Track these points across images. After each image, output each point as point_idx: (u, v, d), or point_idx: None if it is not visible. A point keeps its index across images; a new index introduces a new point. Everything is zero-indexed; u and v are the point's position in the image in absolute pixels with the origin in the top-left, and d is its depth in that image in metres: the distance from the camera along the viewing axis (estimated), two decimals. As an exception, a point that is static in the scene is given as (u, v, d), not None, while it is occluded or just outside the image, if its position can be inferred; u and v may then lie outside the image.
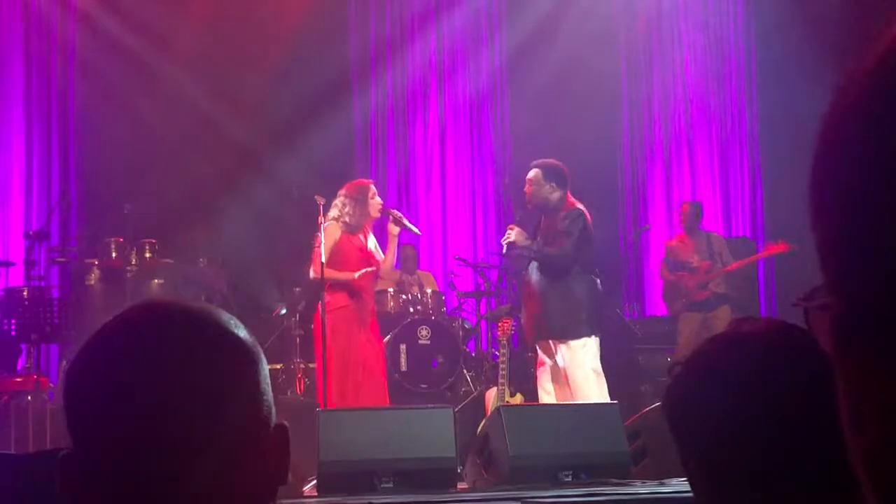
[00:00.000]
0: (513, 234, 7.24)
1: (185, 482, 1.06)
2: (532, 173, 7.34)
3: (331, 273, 7.15)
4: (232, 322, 1.15)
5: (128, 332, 1.11)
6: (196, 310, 1.15)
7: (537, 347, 7.40)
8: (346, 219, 7.28)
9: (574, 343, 7.09)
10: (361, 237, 7.39)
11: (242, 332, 1.15)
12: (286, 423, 1.16)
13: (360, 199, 7.33)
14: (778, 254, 9.69)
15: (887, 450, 0.65)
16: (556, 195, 7.27)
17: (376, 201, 7.43)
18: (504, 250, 7.60)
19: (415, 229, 8.01)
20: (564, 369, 7.10)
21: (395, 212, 7.63)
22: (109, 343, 1.11)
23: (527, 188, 7.36)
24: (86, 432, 1.08)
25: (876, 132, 0.65)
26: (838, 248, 0.67)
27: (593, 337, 7.17)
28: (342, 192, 7.37)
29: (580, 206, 7.31)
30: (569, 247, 7.12)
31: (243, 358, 1.13)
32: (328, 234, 7.15)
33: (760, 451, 1.33)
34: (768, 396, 1.33)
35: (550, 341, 7.21)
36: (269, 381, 1.15)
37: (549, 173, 7.30)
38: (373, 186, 7.49)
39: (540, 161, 7.42)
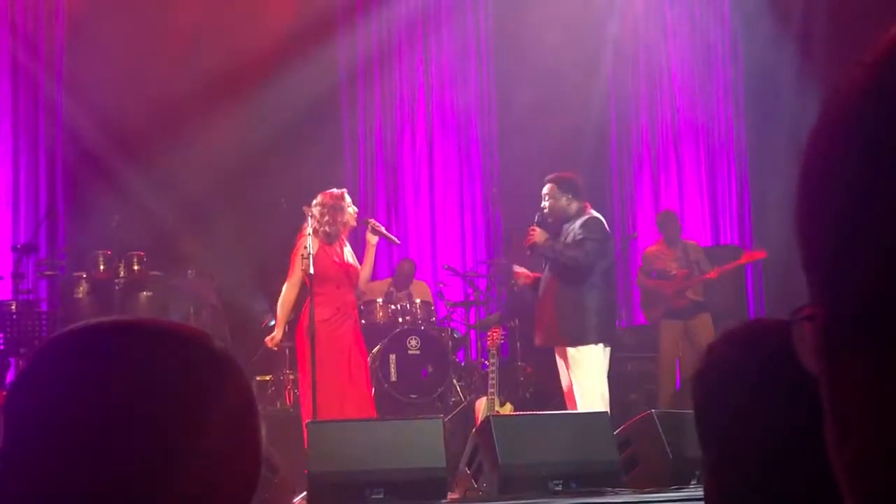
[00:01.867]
0: (535, 235, 7.25)
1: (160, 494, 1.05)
2: (547, 188, 7.36)
3: (282, 312, 7.29)
4: (205, 336, 1.13)
5: (96, 341, 1.09)
6: (163, 322, 1.14)
7: (556, 354, 7.37)
8: (326, 227, 7.27)
9: (583, 349, 7.07)
10: (337, 248, 7.38)
11: (216, 344, 1.13)
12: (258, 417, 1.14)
13: (336, 208, 7.32)
14: (756, 260, 9.69)
15: (872, 457, 0.65)
16: (574, 206, 7.30)
17: (352, 209, 7.44)
18: (527, 253, 7.57)
19: (394, 239, 8.02)
20: (570, 375, 7.09)
21: (373, 221, 7.64)
22: (78, 351, 1.08)
23: (544, 203, 7.36)
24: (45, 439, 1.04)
25: (865, 141, 0.65)
26: (825, 255, 0.68)
27: (601, 345, 7.15)
28: (317, 201, 7.35)
29: (597, 214, 7.34)
30: (589, 249, 7.10)
31: (216, 369, 1.11)
32: (308, 248, 7.13)
33: (783, 448, 1.33)
34: (798, 387, 1.32)
35: (561, 348, 7.17)
36: (247, 396, 1.14)
37: (564, 185, 7.33)
38: (347, 195, 7.47)
39: (553, 175, 7.45)
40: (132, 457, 1.03)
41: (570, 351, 7.09)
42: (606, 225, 7.35)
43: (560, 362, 7.30)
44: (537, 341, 7.49)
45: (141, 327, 1.12)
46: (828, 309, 0.68)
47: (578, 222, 7.22)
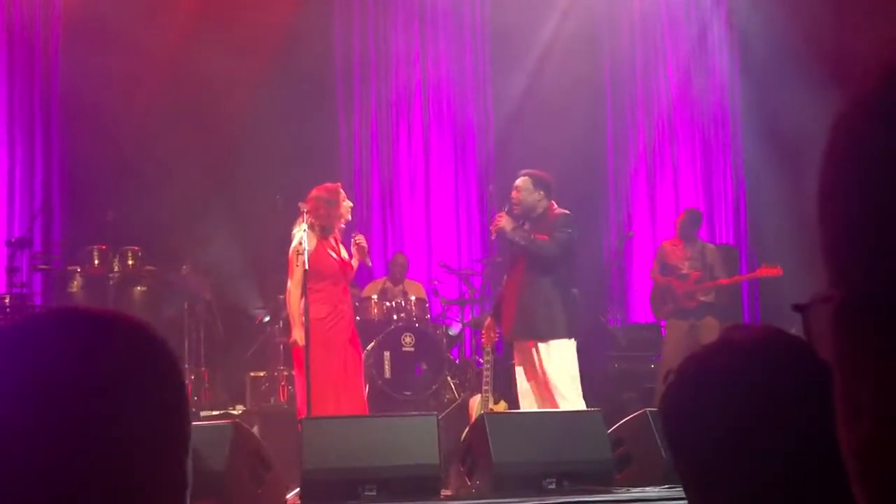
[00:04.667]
0: (502, 221, 7.26)
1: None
2: (521, 180, 7.40)
3: (292, 310, 7.22)
4: (139, 324, 1.12)
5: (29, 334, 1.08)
6: (99, 311, 1.13)
7: (514, 347, 7.39)
8: (322, 221, 7.27)
9: (554, 343, 7.09)
10: (333, 243, 7.38)
11: (151, 331, 1.12)
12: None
13: (331, 202, 7.33)
14: (771, 276, 9.52)
15: (884, 442, 0.65)
16: (543, 204, 7.34)
17: (347, 204, 7.45)
18: (492, 237, 7.58)
19: (368, 262, 7.89)
20: (542, 370, 7.09)
21: (363, 240, 7.51)
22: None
23: (514, 194, 7.40)
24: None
25: (891, 124, 0.65)
26: (847, 237, 0.67)
27: (571, 339, 7.18)
28: (313, 194, 7.34)
29: (567, 211, 7.35)
30: (562, 240, 7.14)
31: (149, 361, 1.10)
32: (303, 244, 7.11)
33: (755, 458, 1.33)
34: (763, 403, 1.33)
35: (531, 342, 7.17)
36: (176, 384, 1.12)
37: (539, 182, 7.37)
38: (342, 189, 7.48)
39: (528, 170, 7.50)
40: (59, 449, 1.03)
41: (542, 346, 7.09)
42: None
43: (519, 368, 7.26)
44: (505, 336, 7.50)
45: (75, 317, 1.11)
46: (845, 291, 0.68)
47: (551, 219, 7.26)
